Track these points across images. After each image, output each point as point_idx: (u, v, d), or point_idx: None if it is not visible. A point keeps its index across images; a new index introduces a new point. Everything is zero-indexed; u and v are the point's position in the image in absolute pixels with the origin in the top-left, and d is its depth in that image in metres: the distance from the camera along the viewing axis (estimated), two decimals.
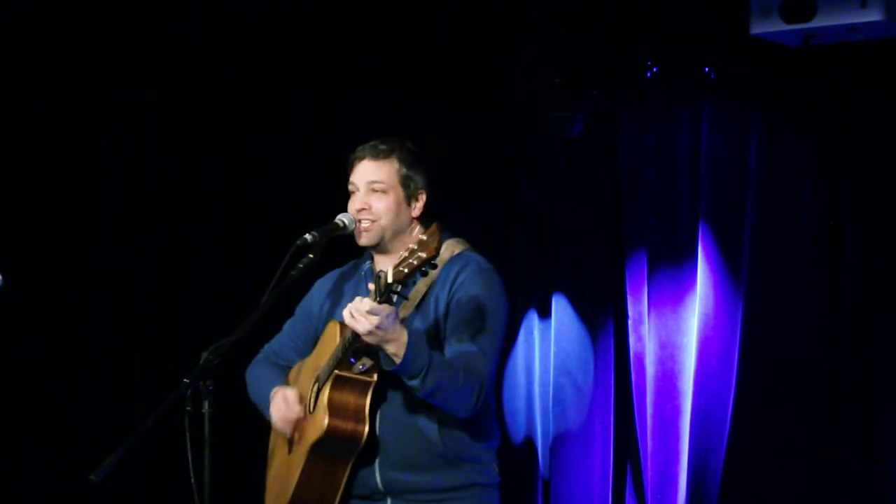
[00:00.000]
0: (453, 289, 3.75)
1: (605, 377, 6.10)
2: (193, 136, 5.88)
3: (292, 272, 3.70)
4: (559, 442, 6.14)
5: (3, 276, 3.83)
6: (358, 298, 3.50)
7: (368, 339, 3.52)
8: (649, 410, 5.98)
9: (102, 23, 5.60)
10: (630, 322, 6.06)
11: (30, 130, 5.49)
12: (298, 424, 3.82)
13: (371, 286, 3.50)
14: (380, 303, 3.46)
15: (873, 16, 5.20)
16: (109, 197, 5.75)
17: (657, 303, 6.02)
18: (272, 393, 3.90)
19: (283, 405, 3.84)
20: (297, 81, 5.95)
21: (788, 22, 5.37)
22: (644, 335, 6.02)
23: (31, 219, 5.51)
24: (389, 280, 3.42)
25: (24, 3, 5.43)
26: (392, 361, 3.55)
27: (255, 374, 4.06)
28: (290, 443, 3.88)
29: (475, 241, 3.96)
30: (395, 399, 3.73)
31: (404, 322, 3.64)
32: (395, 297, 3.50)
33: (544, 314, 6.21)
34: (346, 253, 4.03)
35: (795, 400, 5.71)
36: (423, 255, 3.37)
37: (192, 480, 3.51)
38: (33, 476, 5.52)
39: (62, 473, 5.48)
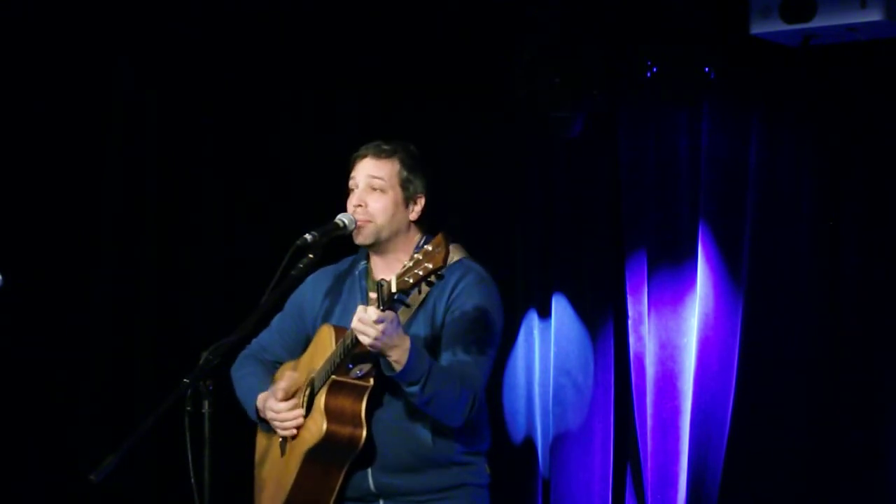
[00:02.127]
0: (452, 297, 3.75)
1: (605, 377, 6.10)
2: (193, 136, 5.88)
3: (292, 272, 3.70)
4: (559, 442, 6.14)
5: (3, 276, 3.83)
6: (361, 308, 3.49)
7: (373, 348, 3.52)
8: (649, 410, 5.98)
9: (102, 22, 5.60)
10: (630, 322, 6.05)
11: (30, 130, 5.49)
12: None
13: (373, 294, 3.49)
14: (382, 310, 3.46)
15: (873, 16, 5.20)
16: (109, 197, 5.75)
17: (657, 303, 6.02)
18: (257, 401, 3.90)
19: (279, 408, 3.83)
20: (297, 81, 5.95)
21: (788, 22, 5.37)
22: (644, 335, 6.02)
23: (31, 219, 5.51)
24: (393, 290, 3.41)
25: (25, 3, 5.42)
26: (393, 368, 3.54)
27: (241, 372, 4.04)
28: (283, 446, 3.87)
29: (475, 241, 3.96)
30: (389, 404, 3.73)
31: (404, 327, 3.65)
32: (397, 305, 3.50)
33: (544, 314, 6.21)
34: (346, 253, 4.03)
35: (795, 400, 5.71)
36: (430, 265, 3.36)
37: (192, 480, 3.51)
38: (33, 476, 5.52)
39: (62, 473, 5.48)
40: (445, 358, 3.69)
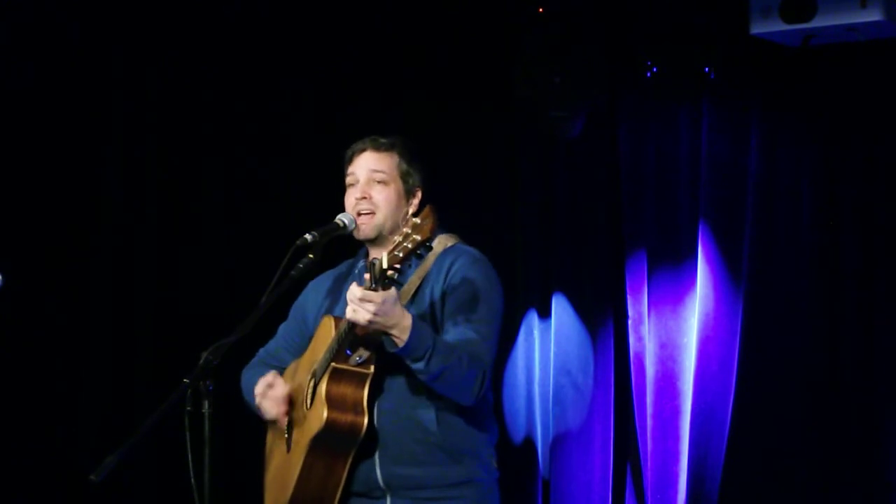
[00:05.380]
0: (448, 278, 3.74)
1: (605, 377, 6.10)
2: (193, 136, 5.88)
3: (292, 272, 3.69)
4: (559, 442, 6.14)
5: (3, 275, 3.83)
6: (351, 287, 3.49)
7: (371, 328, 3.51)
8: (649, 410, 5.98)
9: (102, 22, 5.60)
10: (630, 322, 6.05)
11: (30, 129, 5.49)
12: (296, 420, 3.82)
13: (366, 275, 3.49)
14: (376, 289, 3.45)
15: (873, 16, 5.21)
16: (109, 197, 5.75)
17: (657, 303, 6.02)
18: (255, 387, 3.91)
19: (267, 389, 3.83)
20: (297, 80, 5.95)
21: (788, 22, 5.37)
22: (644, 335, 6.02)
23: (31, 219, 5.51)
24: (385, 265, 3.40)
25: (25, 4, 5.42)
26: (395, 344, 3.53)
27: (248, 376, 4.06)
28: (289, 441, 3.87)
29: (475, 241, 3.96)
30: (392, 391, 3.72)
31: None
32: (391, 284, 3.49)
33: (544, 314, 6.21)
34: (346, 253, 4.03)
35: (795, 400, 5.71)
36: (418, 237, 3.36)
37: (192, 480, 3.51)
38: (33, 476, 5.51)
39: (62, 473, 5.48)
40: (448, 334, 3.67)
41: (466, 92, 5.97)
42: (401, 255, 3.38)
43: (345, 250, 4.00)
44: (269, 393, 3.85)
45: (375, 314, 3.45)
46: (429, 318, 3.72)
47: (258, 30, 5.85)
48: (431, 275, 3.76)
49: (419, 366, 3.55)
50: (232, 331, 3.60)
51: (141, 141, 5.79)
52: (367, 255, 3.93)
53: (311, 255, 3.70)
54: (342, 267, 4.02)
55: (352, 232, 3.82)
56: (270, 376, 3.87)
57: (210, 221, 5.92)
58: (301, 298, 4.04)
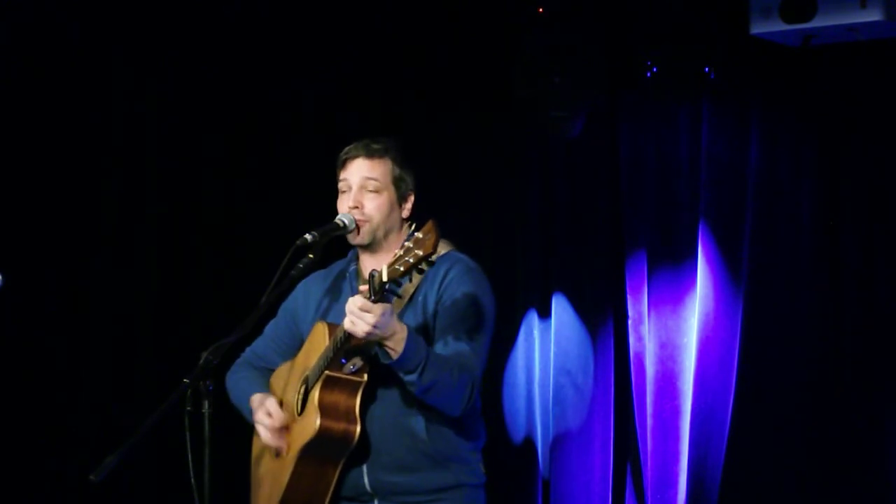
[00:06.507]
0: (442, 288, 3.75)
1: (605, 377, 6.10)
2: (193, 136, 5.88)
3: (292, 272, 3.70)
4: (559, 442, 6.14)
5: (3, 276, 3.83)
6: (351, 299, 3.48)
7: (368, 339, 3.51)
8: (649, 410, 5.98)
9: (102, 22, 5.60)
10: (630, 322, 6.06)
11: (30, 129, 5.49)
12: (287, 429, 3.82)
13: (363, 287, 3.49)
14: (374, 301, 3.45)
15: (873, 16, 5.21)
16: (110, 197, 5.75)
17: (657, 303, 6.02)
18: (251, 401, 3.90)
19: (267, 419, 3.82)
20: (297, 81, 5.95)
21: (788, 22, 5.37)
22: (644, 335, 6.02)
23: (31, 219, 5.51)
24: (385, 279, 3.40)
25: (24, 4, 5.43)
26: (389, 356, 3.54)
27: (235, 378, 4.05)
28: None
29: (475, 242, 3.96)
30: (383, 399, 3.73)
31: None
32: (389, 297, 3.50)
33: (544, 314, 6.21)
34: (346, 254, 4.03)
35: (795, 400, 5.71)
36: (420, 252, 3.35)
37: (192, 480, 3.51)
38: (33, 476, 5.51)
39: (62, 473, 5.48)
40: (440, 347, 3.68)
41: (466, 92, 5.97)
42: (401, 269, 3.37)
43: (344, 250, 4.00)
44: (271, 423, 3.83)
45: (374, 326, 3.45)
46: (421, 327, 3.73)
47: (258, 30, 5.85)
48: (425, 282, 3.76)
49: (411, 378, 3.56)
50: (232, 331, 3.61)
51: (141, 141, 5.79)
52: (357, 257, 3.92)
53: (311, 255, 3.70)
54: (333, 269, 4.00)
55: (350, 233, 3.82)
56: (272, 405, 3.84)
57: (210, 221, 5.92)
58: (291, 299, 4.02)
